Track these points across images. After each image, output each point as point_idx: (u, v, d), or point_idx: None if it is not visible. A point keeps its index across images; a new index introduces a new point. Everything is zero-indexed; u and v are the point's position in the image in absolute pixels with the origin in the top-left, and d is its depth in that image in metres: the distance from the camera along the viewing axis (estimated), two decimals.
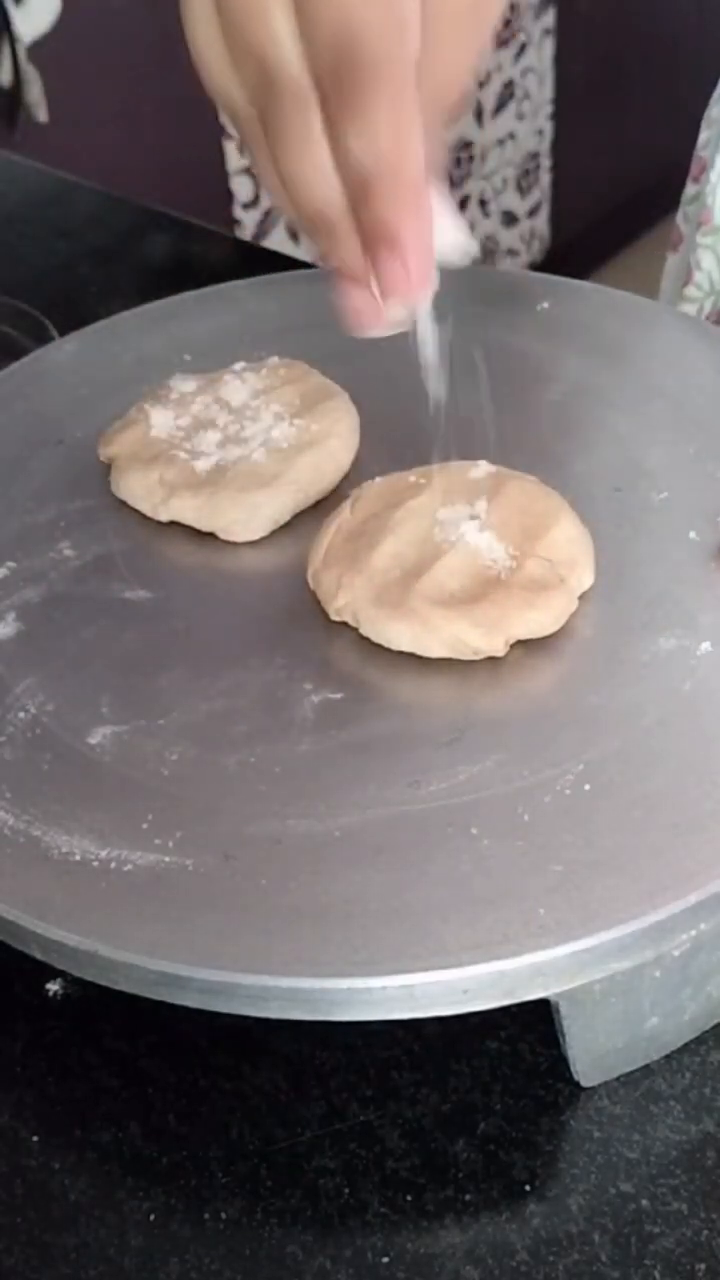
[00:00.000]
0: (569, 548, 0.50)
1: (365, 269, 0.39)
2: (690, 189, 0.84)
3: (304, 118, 0.37)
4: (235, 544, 0.54)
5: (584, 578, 0.49)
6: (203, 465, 0.54)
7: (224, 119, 0.38)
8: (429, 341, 0.44)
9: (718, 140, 0.81)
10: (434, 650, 0.48)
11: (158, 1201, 0.42)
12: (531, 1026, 0.45)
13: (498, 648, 0.47)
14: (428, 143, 0.38)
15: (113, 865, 0.42)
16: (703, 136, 0.83)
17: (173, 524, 0.54)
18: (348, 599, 0.49)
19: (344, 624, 0.49)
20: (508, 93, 2.08)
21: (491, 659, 0.48)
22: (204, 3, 0.38)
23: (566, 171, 2.29)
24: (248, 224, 1.79)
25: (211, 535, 0.54)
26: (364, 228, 0.38)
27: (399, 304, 0.40)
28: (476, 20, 0.40)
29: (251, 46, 0.37)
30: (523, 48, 2.07)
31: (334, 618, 0.49)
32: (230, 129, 0.37)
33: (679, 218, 0.85)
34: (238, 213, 1.78)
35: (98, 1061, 0.45)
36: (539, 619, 0.48)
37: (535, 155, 2.22)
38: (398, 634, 0.48)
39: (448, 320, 0.43)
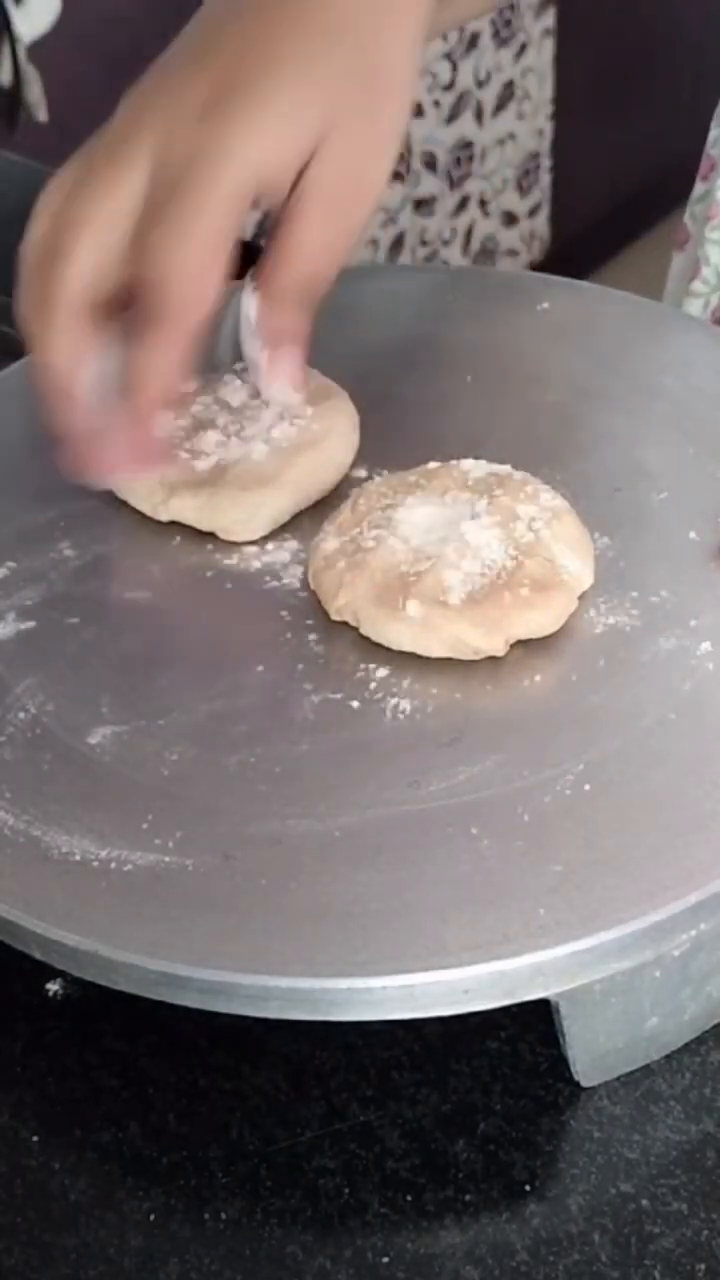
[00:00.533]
0: (569, 548, 0.50)
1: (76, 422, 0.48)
2: (699, 187, 0.84)
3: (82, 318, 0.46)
4: (235, 544, 0.54)
5: (584, 578, 0.49)
6: (203, 465, 0.54)
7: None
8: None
9: None
10: (434, 650, 0.48)
11: (158, 1201, 0.42)
12: (531, 1026, 0.45)
13: (498, 648, 0.47)
14: (290, 317, 0.48)
15: (113, 865, 0.42)
16: (713, 134, 0.83)
17: (173, 524, 0.54)
18: (348, 599, 0.49)
19: (344, 624, 0.49)
20: (508, 93, 2.08)
21: (492, 659, 0.48)
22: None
23: (566, 171, 2.28)
24: (247, 224, 1.79)
25: (211, 535, 0.54)
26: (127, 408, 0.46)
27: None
28: (345, 210, 0.46)
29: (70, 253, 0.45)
30: (523, 48, 2.07)
31: (334, 617, 0.49)
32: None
33: (686, 216, 0.85)
34: None
35: (98, 1061, 0.45)
36: (539, 619, 0.48)
37: (535, 155, 2.22)
38: (398, 634, 0.48)
39: None
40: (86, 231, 0.45)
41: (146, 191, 0.44)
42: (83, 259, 0.45)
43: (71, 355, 0.46)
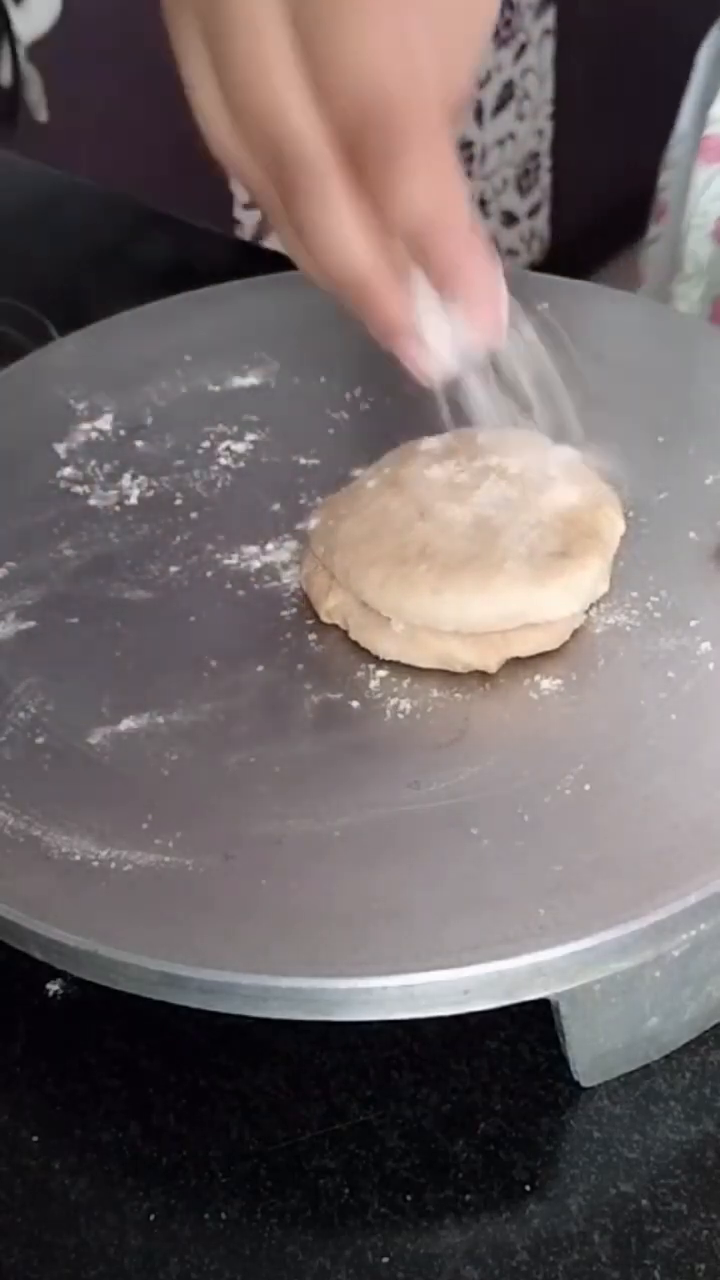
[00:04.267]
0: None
1: (409, 321, 0.39)
2: (652, 230, 0.83)
3: (324, 187, 0.36)
4: (235, 544, 0.53)
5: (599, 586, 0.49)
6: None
7: (236, 186, 0.38)
8: (478, 390, 0.45)
9: (682, 185, 0.80)
10: (423, 662, 0.47)
11: (158, 1201, 0.42)
12: (531, 1026, 0.45)
13: (490, 665, 0.47)
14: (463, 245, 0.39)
15: (113, 865, 0.42)
16: (663, 177, 0.83)
17: (171, 521, 0.54)
18: (337, 602, 0.49)
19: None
20: (508, 93, 2.08)
21: None
22: (203, 68, 0.37)
23: (566, 171, 2.28)
24: (248, 224, 1.79)
25: (214, 536, 0.54)
26: (433, 276, 0.38)
27: (458, 348, 0.40)
28: (470, 21, 0.39)
29: (257, 117, 0.36)
30: (523, 48, 2.07)
31: (324, 619, 0.49)
32: (243, 194, 0.37)
33: (640, 259, 0.85)
34: (238, 213, 1.78)
35: (98, 1061, 0.45)
36: (540, 638, 0.47)
37: (535, 155, 2.22)
38: (385, 645, 0.47)
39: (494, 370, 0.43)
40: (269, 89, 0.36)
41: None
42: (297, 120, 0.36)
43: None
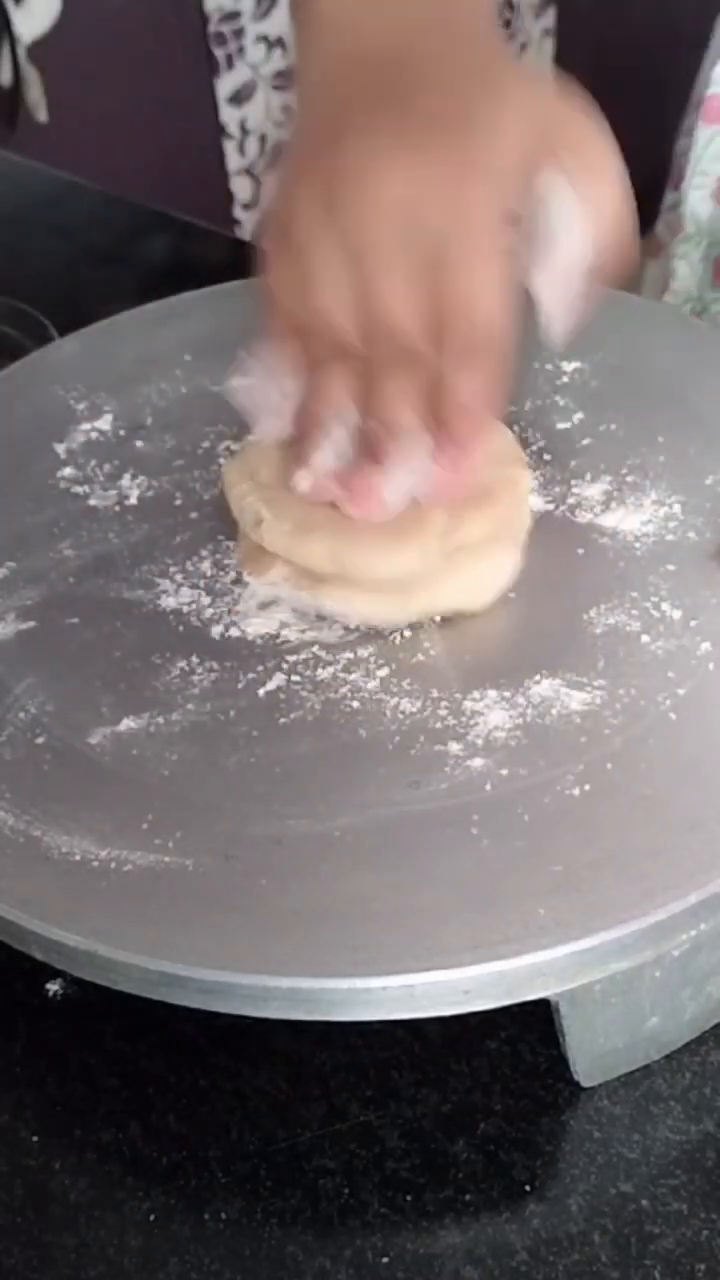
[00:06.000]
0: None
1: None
2: (669, 196, 0.84)
3: (411, 368, 0.45)
4: (234, 544, 0.54)
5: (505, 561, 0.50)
6: None
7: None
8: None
9: (690, 151, 0.81)
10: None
11: (158, 1201, 0.42)
12: (531, 1026, 0.45)
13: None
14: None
15: (113, 865, 0.42)
16: (680, 144, 0.83)
17: (173, 523, 0.54)
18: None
19: (343, 625, 0.49)
20: None
21: (493, 659, 0.48)
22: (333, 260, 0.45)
23: None
24: (248, 224, 1.79)
25: (217, 535, 0.54)
26: (445, 434, 0.46)
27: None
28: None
29: (377, 305, 0.45)
30: (523, 48, 2.07)
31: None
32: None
33: (659, 225, 0.86)
34: (238, 213, 1.78)
35: (98, 1061, 0.45)
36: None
37: None
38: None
39: None
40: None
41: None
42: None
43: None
